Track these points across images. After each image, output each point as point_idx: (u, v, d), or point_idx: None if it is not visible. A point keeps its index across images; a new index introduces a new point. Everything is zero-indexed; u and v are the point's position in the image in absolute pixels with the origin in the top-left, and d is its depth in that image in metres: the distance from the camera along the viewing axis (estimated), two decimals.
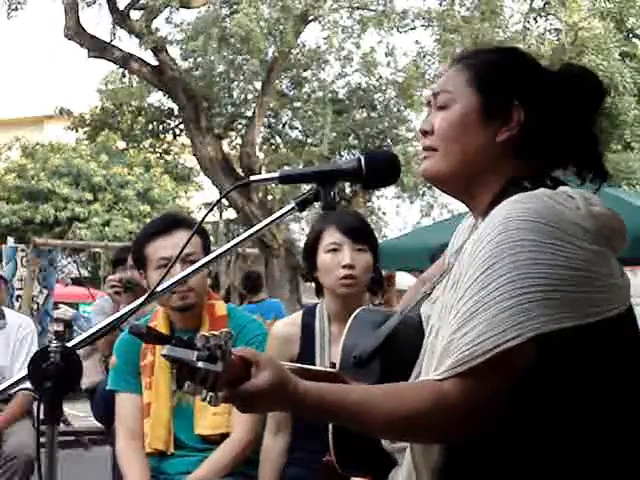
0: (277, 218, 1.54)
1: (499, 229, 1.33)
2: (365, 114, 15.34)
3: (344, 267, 2.54)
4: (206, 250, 2.76)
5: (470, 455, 1.38)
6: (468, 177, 1.49)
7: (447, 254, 1.64)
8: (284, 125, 15.93)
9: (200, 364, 1.26)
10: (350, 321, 1.66)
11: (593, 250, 1.34)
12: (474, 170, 1.48)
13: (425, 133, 1.52)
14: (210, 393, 1.29)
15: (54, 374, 1.38)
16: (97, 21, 18.27)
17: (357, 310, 1.70)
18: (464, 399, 1.30)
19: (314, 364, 2.48)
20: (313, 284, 2.70)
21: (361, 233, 2.61)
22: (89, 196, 19.89)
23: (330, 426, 1.59)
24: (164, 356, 1.28)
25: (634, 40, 13.81)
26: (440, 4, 12.69)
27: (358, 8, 12.27)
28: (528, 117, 1.47)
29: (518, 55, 1.55)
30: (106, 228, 19.30)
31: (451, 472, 1.39)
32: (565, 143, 1.49)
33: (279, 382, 1.30)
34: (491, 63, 1.52)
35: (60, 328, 12.20)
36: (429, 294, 1.59)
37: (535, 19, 12.93)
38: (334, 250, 2.56)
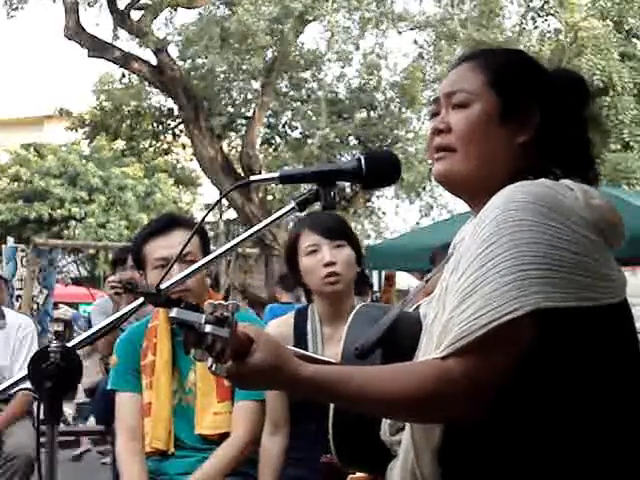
0: (277, 218, 1.54)
1: (499, 210, 1.35)
2: (365, 115, 15.33)
3: (325, 265, 2.55)
4: (205, 250, 2.76)
5: (470, 434, 1.38)
6: (485, 180, 1.49)
7: (450, 252, 1.65)
8: (284, 125, 15.92)
9: (207, 328, 1.26)
10: (352, 315, 1.67)
11: (590, 238, 1.36)
12: (492, 172, 1.49)
13: (440, 132, 1.52)
14: (216, 363, 1.29)
15: (54, 374, 1.38)
16: (98, 21, 18.32)
17: (359, 305, 1.71)
18: (466, 375, 1.31)
19: None
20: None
21: (337, 230, 2.62)
22: (84, 195, 19.91)
23: (330, 419, 1.59)
24: (171, 318, 1.28)
25: (633, 40, 13.80)
26: (439, 6, 12.68)
27: (357, 9, 12.25)
28: (543, 119, 1.49)
29: (527, 58, 1.58)
30: (102, 230, 19.33)
31: (452, 452, 1.40)
32: (564, 144, 1.51)
33: (275, 363, 1.32)
34: (508, 66, 1.54)
35: (60, 328, 12.22)
36: (427, 285, 1.60)
37: (534, 19, 12.93)
38: (313, 252, 2.58)
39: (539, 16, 12.90)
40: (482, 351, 1.31)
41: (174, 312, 1.28)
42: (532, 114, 1.49)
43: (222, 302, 1.29)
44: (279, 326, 2.68)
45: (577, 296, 1.31)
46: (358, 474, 1.81)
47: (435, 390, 1.32)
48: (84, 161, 20.61)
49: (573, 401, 1.36)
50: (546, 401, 1.36)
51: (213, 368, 1.30)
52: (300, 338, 2.59)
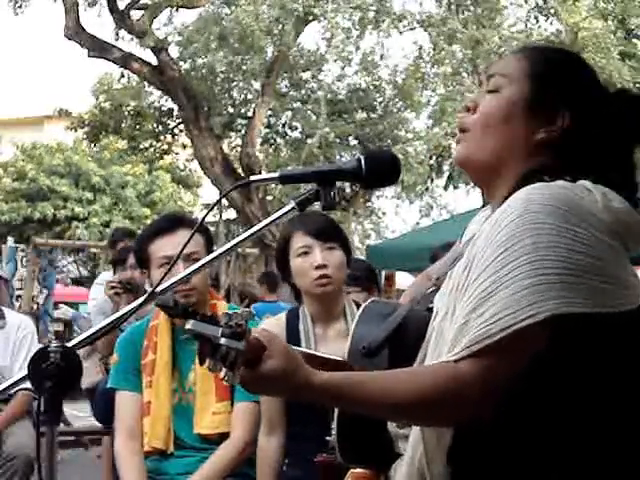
0: (277, 218, 1.53)
1: (519, 211, 1.34)
2: (365, 115, 15.33)
3: (317, 268, 2.56)
4: (209, 249, 2.77)
5: (481, 435, 1.38)
6: (496, 165, 1.48)
7: (459, 244, 1.64)
8: (284, 125, 15.92)
9: (223, 340, 1.27)
10: (359, 313, 1.66)
11: (609, 243, 1.35)
12: (504, 160, 1.47)
13: (467, 110, 1.52)
14: (229, 372, 1.29)
15: (54, 374, 1.37)
16: (99, 21, 18.33)
17: (366, 302, 1.70)
18: (480, 379, 1.30)
19: None
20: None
21: (329, 232, 2.63)
22: (89, 195, 19.92)
23: (335, 417, 1.59)
24: (188, 330, 1.28)
25: (634, 40, 13.78)
26: (439, 5, 12.66)
27: (357, 8, 12.24)
28: (573, 126, 1.46)
29: (581, 64, 1.55)
30: (106, 229, 19.33)
31: (462, 452, 1.39)
32: (601, 161, 1.48)
33: (287, 370, 1.31)
34: (554, 63, 1.52)
35: (60, 328, 12.21)
36: (439, 287, 1.59)
37: (536, 18, 12.92)
38: (305, 253, 2.59)
39: (541, 14, 12.89)
40: (497, 355, 1.30)
41: (190, 324, 1.28)
42: (559, 115, 1.47)
43: (236, 311, 1.29)
44: (270, 327, 2.68)
45: (595, 302, 1.30)
46: (359, 469, 1.81)
47: (448, 393, 1.32)
48: (86, 160, 20.62)
49: (585, 406, 1.36)
50: (559, 405, 1.35)
51: (226, 377, 1.30)
52: (293, 338, 2.59)
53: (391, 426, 1.54)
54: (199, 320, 1.29)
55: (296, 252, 2.60)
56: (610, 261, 1.33)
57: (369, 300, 1.72)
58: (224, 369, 1.29)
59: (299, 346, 2.57)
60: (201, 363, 1.30)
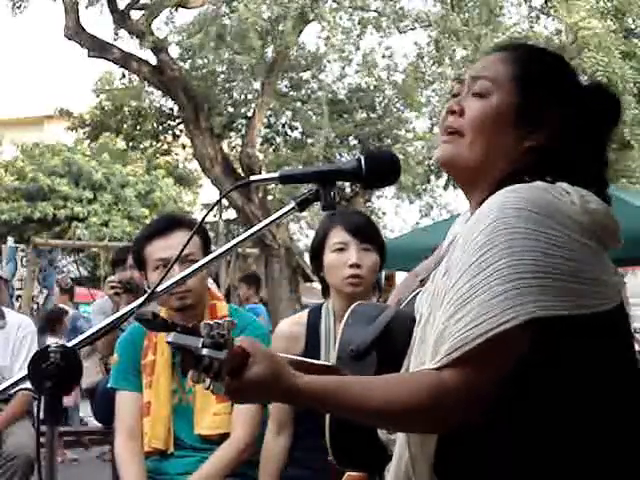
0: (277, 218, 1.54)
1: (494, 216, 1.34)
2: (365, 115, 15.33)
3: (350, 266, 2.55)
4: (206, 250, 2.76)
5: (467, 444, 1.37)
6: (481, 169, 1.48)
7: (442, 246, 1.64)
8: (284, 125, 15.92)
9: (205, 351, 1.27)
10: (347, 315, 1.65)
11: (586, 244, 1.35)
12: (489, 164, 1.47)
13: (453, 112, 1.50)
14: (213, 382, 1.30)
15: (54, 374, 1.38)
16: (98, 21, 18.34)
17: (353, 304, 1.70)
18: (461, 386, 1.30)
19: None
20: (315, 284, 2.71)
21: (367, 233, 2.61)
22: (89, 194, 19.94)
23: (327, 420, 1.59)
24: (169, 343, 1.28)
25: (634, 40, 13.77)
26: (440, 3, 12.66)
27: (356, 8, 12.23)
28: (560, 130, 1.46)
29: (563, 64, 1.54)
30: (105, 229, 19.35)
31: (448, 462, 1.39)
32: (580, 161, 1.48)
33: (271, 376, 1.31)
34: (539, 65, 1.51)
35: None
36: (422, 286, 1.59)
37: (538, 17, 12.91)
38: (340, 249, 2.57)
39: (542, 12, 12.88)
40: (477, 361, 1.30)
41: (171, 337, 1.28)
42: (549, 120, 1.46)
43: (218, 321, 1.29)
44: (291, 325, 2.69)
45: (573, 304, 1.30)
46: (354, 473, 1.81)
47: (431, 402, 1.31)
48: (87, 159, 20.65)
49: (570, 410, 1.35)
50: (543, 411, 1.35)
51: (211, 388, 1.30)
52: (313, 336, 2.59)
53: (381, 432, 1.54)
54: (180, 332, 1.29)
55: (332, 247, 2.59)
56: (586, 262, 1.34)
57: (356, 302, 1.72)
58: (208, 380, 1.29)
59: (319, 343, 2.59)
60: (184, 375, 1.30)
